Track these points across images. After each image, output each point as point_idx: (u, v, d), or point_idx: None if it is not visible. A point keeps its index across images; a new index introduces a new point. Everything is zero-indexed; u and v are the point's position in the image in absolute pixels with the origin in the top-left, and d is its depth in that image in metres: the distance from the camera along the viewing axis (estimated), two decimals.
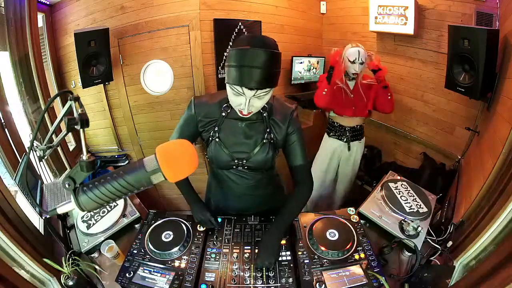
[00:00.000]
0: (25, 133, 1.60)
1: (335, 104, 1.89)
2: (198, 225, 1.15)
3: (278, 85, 0.99)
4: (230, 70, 0.81)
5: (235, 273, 0.96)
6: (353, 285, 0.90)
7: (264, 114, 1.00)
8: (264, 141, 1.01)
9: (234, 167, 1.07)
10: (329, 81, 1.80)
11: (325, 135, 2.10)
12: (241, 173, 1.10)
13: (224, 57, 2.32)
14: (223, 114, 1.00)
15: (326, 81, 1.81)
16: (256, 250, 1.02)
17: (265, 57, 0.76)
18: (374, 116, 2.61)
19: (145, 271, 0.97)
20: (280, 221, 1.03)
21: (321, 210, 1.23)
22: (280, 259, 1.00)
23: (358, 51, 1.71)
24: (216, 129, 1.01)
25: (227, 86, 0.86)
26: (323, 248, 1.02)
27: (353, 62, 1.73)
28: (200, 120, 1.01)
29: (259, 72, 0.77)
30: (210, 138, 1.03)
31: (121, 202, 1.28)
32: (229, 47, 0.84)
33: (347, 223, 1.13)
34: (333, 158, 2.08)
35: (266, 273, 0.95)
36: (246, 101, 0.84)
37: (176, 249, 1.03)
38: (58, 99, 1.94)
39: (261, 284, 0.92)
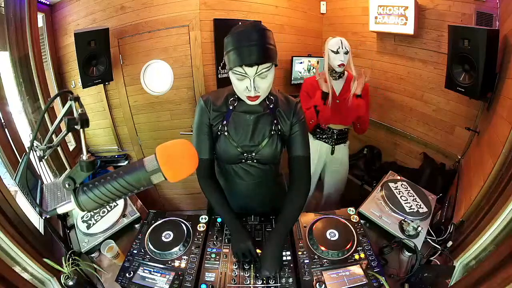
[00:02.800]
0: (25, 133, 1.60)
1: (319, 115, 1.74)
2: (198, 225, 1.15)
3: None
4: (229, 56, 0.85)
5: (235, 273, 0.96)
6: (353, 285, 0.91)
7: (271, 106, 1.02)
8: (272, 132, 1.03)
9: (243, 161, 1.07)
10: (317, 115, 1.68)
11: (310, 136, 1.94)
12: (249, 168, 1.10)
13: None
14: (230, 107, 1.02)
15: (314, 111, 1.67)
16: (259, 258, 0.98)
17: (257, 33, 0.82)
18: (374, 116, 2.61)
19: (145, 271, 0.97)
20: (281, 227, 0.99)
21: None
22: None
23: (340, 40, 1.63)
24: (224, 122, 1.02)
25: (230, 74, 0.89)
26: (323, 248, 1.02)
27: (337, 52, 1.61)
28: (211, 113, 1.02)
29: (255, 48, 0.81)
30: (219, 133, 1.03)
31: (121, 202, 1.28)
32: (224, 39, 0.88)
33: (347, 223, 1.13)
34: (319, 161, 2.00)
35: None
36: (250, 81, 0.86)
37: (176, 249, 1.03)
38: (58, 99, 1.94)
39: (261, 284, 0.92)
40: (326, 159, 2.00)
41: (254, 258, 0.97)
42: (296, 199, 1.02)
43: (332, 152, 1.95)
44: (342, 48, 1.62)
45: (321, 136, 1.94)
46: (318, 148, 1.97)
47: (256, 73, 0.85)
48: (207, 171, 1.07)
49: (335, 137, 1.91)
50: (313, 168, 2.01)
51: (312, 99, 1.71)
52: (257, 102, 0.93)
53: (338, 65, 1.64)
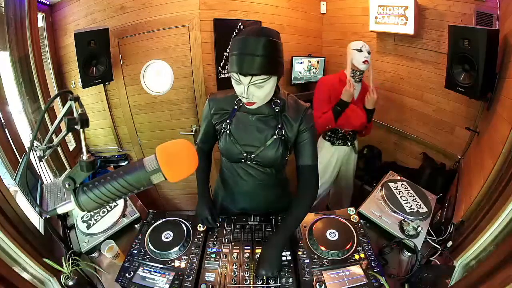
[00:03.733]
0: (25, 133, 1.60)
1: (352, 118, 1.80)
2: (198, 225, 1.15)
3: (280, 84, 0.98)
4: (230, 59, 0.86)
5: (235, 273, 0.96)
6: (353, 285, 0.91)
7: (277, 110, 1.00)
8: (275, 136, 1.01)
9: (243, 160, 1.07)
10: (336, 118, 1.71)
11: (326, 143, 1.96)
12: (250, 169, 1.09)
13: (224, 57, 2.32)
14: (236, 107, 1.03)
15: (332, 115, 1.70)
16: (257, 258, 0.98)
17: (260, 43, 0.79)
18: (374, 116, 2.61)
19: (145, 271, 0.97)
20: (283, 230, 0.99)
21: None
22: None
23: (363, 42, 1.67)
24: (228, 121, 1.03)
25: (231, 75, 0.89)
26: (323, 248, 1.02)
27: (361, 50, 1.64)
28: (214, 114, 1.05)
29: (252, 59, 0.80)
30: (222, 130, 1.05)
31: (121, 202, 1.28)
32: (230, 43, 0.88)
33: (347, 223, 1.13)
34: (336, 165, 2.03)
35: None
36: (244, 88, 0.86)
37: (176, 249, 1.03)
38: (58, 99, 1.93)
39: (261, 284, 0.92)
40: (343, 160, 2.03)
41: (210, 224, 1.13)
42: (301, 206, 1.02)
43: (356, 151, 1.99)
44: (365, 47, 1.67)
45: (339, 142, 1.94)
46: (337, 153, 1.98)
47: (250, 82, 0.84)
48: (203, 147, 1.17)
49: (350, 137, 1.94)
50: (325, 170, 2.04)
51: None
52: (254, 107, 0.93)
53: (363, 62, 1.66)
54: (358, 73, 1.72)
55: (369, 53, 1.67)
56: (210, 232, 1.13)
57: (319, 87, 1.80)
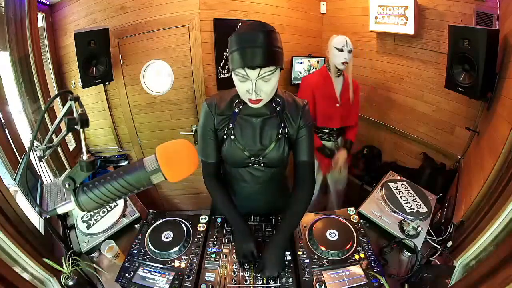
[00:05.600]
0: (25, 133, 1.60)
1: (319, 117, 1.86)
2: (198, 225, 1.15)
3: (278, 85, 0.98)
4: (232, 56, 0.83)
5: (235, 273, 0.96)
6: (353, 285, 0.91)
7: (278, 108, 0.99)
8: (279, 136, 1.00)
9: (250, 164, 1.05)
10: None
11: None
12: (256, 171, 1.08)
13: (224, 57, 2.32)
14: (236, 110, 1.00)
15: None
16: (260, 256, 0.98)
17: (261, 35, 0.79)
18: (374, 116, 2.61)
19: (145, 271, 0.97)
20: (284, 229, 0.99)
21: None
22: None
23: (345, 39, 1.65)
24: (230, 126, 1.00)
25: (233, 75, 0.87)
26: (323, 248, 1.02)
27: (341, 50, 1.64)
28: (216, 117, 1.00)
29: (258, 50, 0.78)
30: (225, 136, 1.01)
31: (121, 202, 1.28)
32: (229, 38, 0.87)
33: (347, 223, 1.13)
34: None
35: None
36: (252, 84, 0.83)
37: (176, 249, 1.03)
38: (58, 99, 1.93)
39: (261, 284, 0.92)
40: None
41: (255, 260, 0.98)
42: (299, 203, 1.02)
43: (337, 148, 1.99)
44: (347, 47, 1.65)
45: (323, 137, 1.96)
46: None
47: (258, 76, 0.82)
48: (213, 171, 1.08)
49: (334, 134, 1.95)
50: (316, 170, 2.03)
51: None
52: (259, 105, 0.90)
53: (342, 63, 1.67)
54: (336, 69, 1.74)
55: (350, 51, 1.65)
56: (210, 232, 1.12)
57: (302, 87, 1.84)
